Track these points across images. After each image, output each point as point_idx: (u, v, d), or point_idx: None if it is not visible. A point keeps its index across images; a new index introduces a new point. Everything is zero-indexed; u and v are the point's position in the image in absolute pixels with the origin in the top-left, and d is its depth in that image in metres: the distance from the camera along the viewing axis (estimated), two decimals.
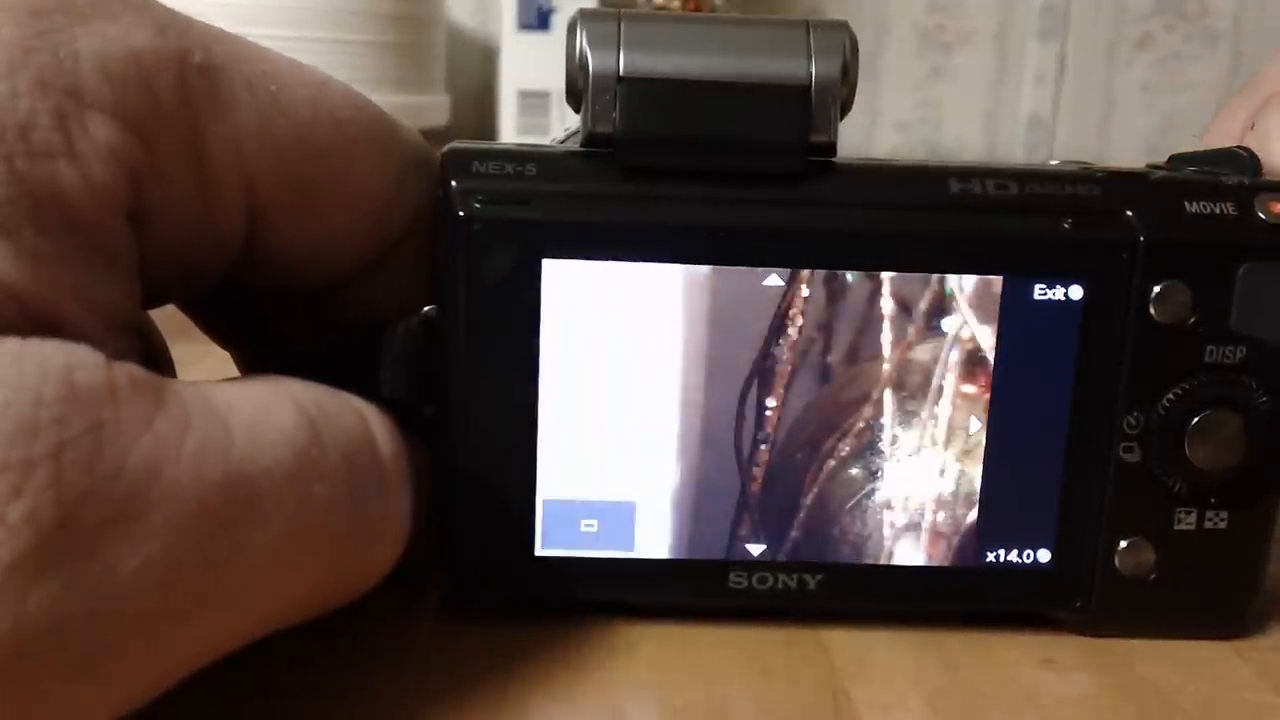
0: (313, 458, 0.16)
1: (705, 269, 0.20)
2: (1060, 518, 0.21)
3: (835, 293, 0.20)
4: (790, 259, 0.20)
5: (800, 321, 0.20)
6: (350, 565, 0.17)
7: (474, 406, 0.20)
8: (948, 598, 0.22)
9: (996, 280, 0.20)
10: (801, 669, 0.20)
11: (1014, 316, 0.20)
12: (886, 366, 0.21)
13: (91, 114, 0.15)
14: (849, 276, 0.20)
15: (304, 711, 0.19)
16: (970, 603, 0.22)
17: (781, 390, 0.21)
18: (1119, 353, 0.20)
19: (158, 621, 0.14)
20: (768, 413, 0.21)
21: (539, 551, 0.21)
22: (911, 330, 0.21)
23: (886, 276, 0.20)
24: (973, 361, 0.21)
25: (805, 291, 0.20)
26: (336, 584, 0.17)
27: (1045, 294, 0.20)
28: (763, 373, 0.21)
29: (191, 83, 0.16)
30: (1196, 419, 0.20)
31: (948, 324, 0.21)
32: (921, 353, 0.21)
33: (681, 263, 0.20)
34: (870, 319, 0.20)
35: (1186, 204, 0.20)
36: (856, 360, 0.21)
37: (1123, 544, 0.21)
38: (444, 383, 0.20)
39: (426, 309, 0.20)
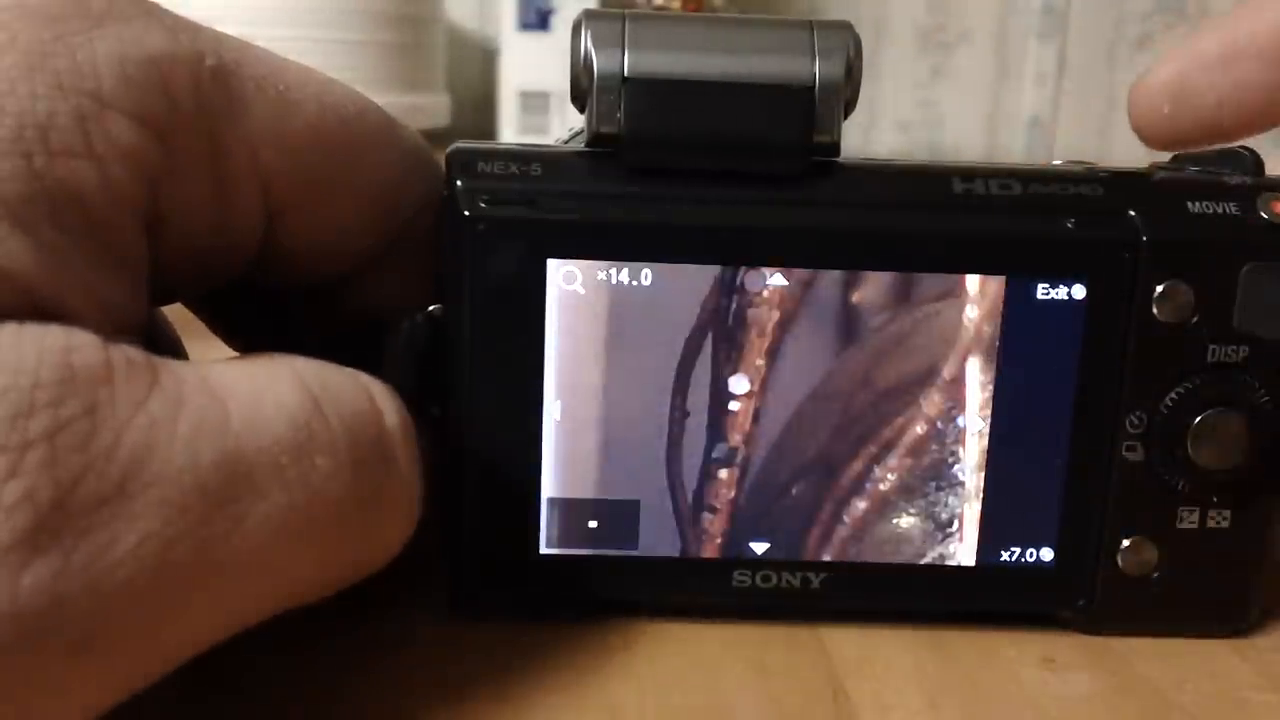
0: (313, 431, 0.16)
1: (708, 269, 0.20)
2: (1063, 517, 0.21)
3: (817, 292, 0.20)
4: (794, 259, 0.20)
5: (783, 322, 0.20)
6: (359, 540, 0.17)
7: (478, 405, 0.20)
8: (950, 596, 0.22)
9: (998, 279, 0.20)
10: (802, 667, 0.20)
11: (1017, 316, 0.20)
12: (878, 362, 0.21)
13: (111, 115, 0.15)
14: (834, 277, 0.20)
15: (303, 712, 0.19)
16: (972, 601, 0.22)
17: (767, 391, 0.21)
18: (1121, 352, 0.20)
19: (156, 599, 0.14)
20: (745, 412, 0.21)
21: (542, 550, 0.21)
22: (898, 323, 0.21)
23: (869, 276, 0.20)
24: (973, 355, 0.21)
25: (794, 292, 0.20)
26: (346, 559, 0.17)
27: (1048, 293, 0.20)
28: (751, 374, 0.21)
29: (206, 85, 0.17)
30: (1199, 418, 0.20)
31: (942, 318, 0.21)
32: (912, 346, 0.21)
33: (685, 263, 0.20)
34: (852, 316, 0.21)
35: (1189, 204, 0.20)
36: (845, 359, 0.21)
37: (1125, 543, 0.21)
38: (448, 381, 0.20)
39: (431, 308, 0.21)
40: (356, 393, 0.17)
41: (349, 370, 0.18)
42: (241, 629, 0.16)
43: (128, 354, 0.15)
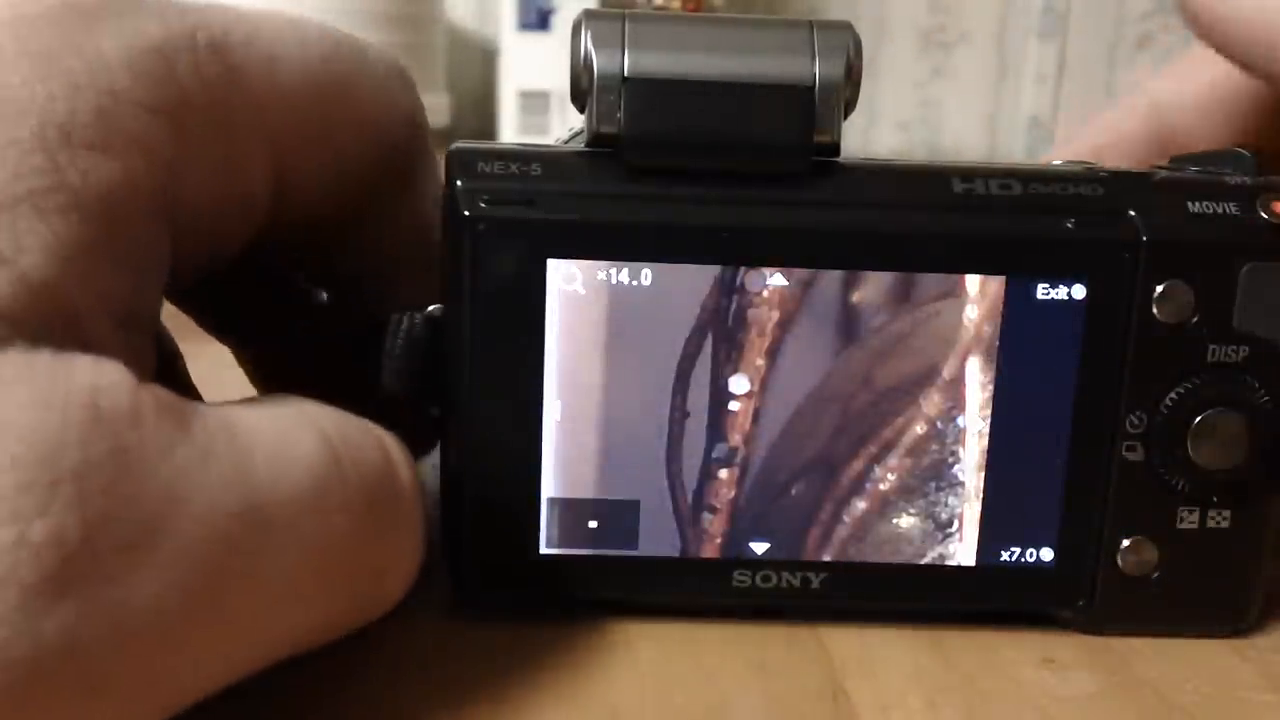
0: (333, 488, 0.16)
1: (709, 269, 0.20)
2: (1063, 517, 0.21)
3: (817, 292, 0.20)
4: (795, 259, 0.20)
5: (783, 322, 0.20)
6: (365, 594, 0.17)
7: (478, 405, 0.20)
8: (950, 596, 0.22)
9: (998, 279, 0.20)
10: (801, 667, 0.20)
11: (1017, 316, 0.20)
12: (878, 362, 0.21)
13: (127, 108, 0.15)
14: (834, 275, 0.20)
15: (303, 711, 0.19)
16: (972, 601, 0.22)
17: (767, 391, 0.21)
18: (1121, 352, 0.20)
19: (171, 645, 0.14)
20: (745, 412, 0.21)
21: (542, 550, 0.21)
22: (898, 323, 0.21)
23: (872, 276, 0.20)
24: (973, 355, 0.21)
25: (794, 292, 0.20)
26: (350, 612, 0.17)
27: (1048, 293, 0.20)
28: (751, 374, 0.21)
29: (205, 61, 0.17)
30: (1199, 418, 0.20)
31: (942, 318, 0.21)
32: (912, 347, 0.21)
33: (685, 263, 0.20)
34: (852, 316, 0.21)
35: (1189, 204, 0.20)
36: (845, 359, 0.21)
37: (1125, 543, 0.21)
38: (448, 381, 0.20)
39: (431, 308, 0.21)
40: (373, 447, 0.17)
41: (362, 421, 0.18)
42: (246, 676, 0.16)
43: (156, 396, 0.15)
